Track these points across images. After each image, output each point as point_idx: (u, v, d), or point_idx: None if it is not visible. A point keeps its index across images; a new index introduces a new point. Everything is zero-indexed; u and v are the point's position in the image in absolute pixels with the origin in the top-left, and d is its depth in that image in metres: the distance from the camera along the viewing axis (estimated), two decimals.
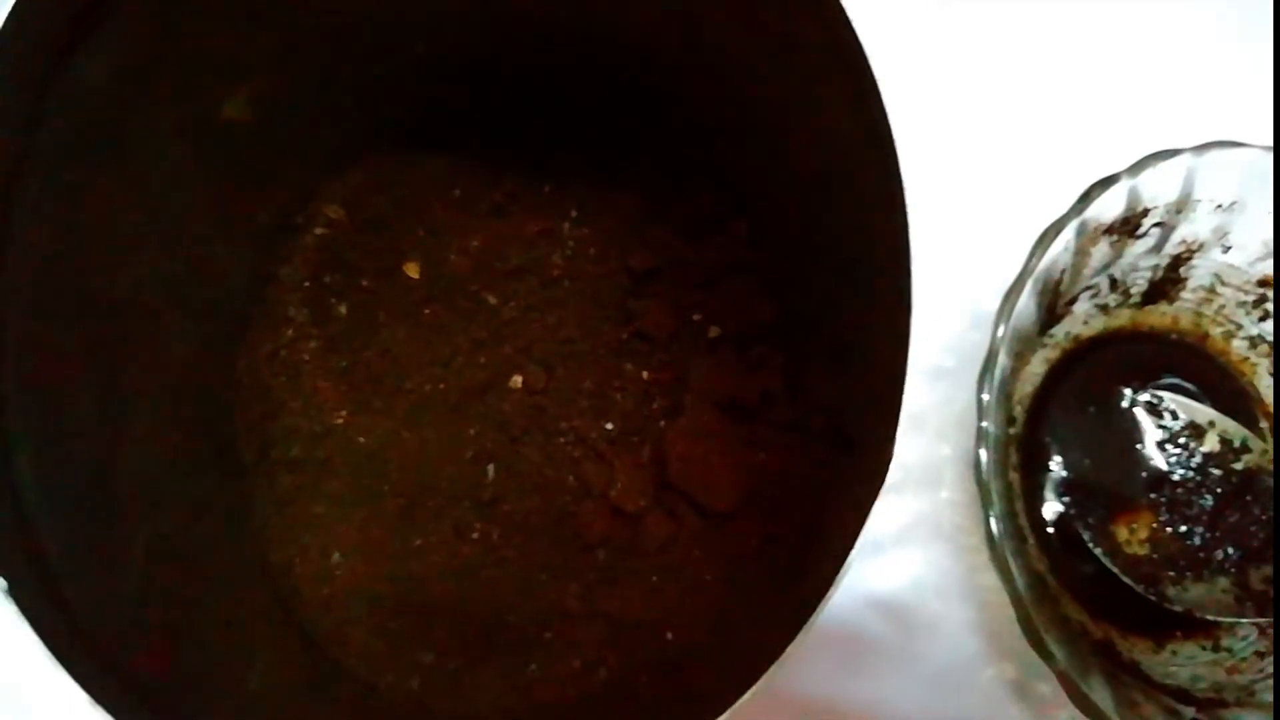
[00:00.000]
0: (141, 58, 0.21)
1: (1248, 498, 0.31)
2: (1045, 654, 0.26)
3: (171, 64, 0.22)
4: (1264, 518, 0.31)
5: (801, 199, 0.24)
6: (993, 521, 0.27)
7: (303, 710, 0.21)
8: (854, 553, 0.17)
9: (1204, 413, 0.32)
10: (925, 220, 0.35)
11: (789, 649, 0.16)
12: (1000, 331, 0.28)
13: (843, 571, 0.16)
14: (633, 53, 0.26)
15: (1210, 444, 0.32)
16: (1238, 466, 0.32)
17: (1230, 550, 0.31)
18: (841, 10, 0.17)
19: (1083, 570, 0.32)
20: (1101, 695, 0.26)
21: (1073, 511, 0.32)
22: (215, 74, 0.23)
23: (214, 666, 0.20)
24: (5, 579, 0.15)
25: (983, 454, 0.27)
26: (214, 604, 0.23)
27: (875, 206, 0.17)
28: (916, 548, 0.35)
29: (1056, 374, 0.34)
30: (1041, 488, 0.33)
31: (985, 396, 0.28)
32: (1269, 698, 0.29)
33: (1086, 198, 0.29)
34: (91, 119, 0.20)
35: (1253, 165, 0.30)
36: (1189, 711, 0.28)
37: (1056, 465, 0.33)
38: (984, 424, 0.28)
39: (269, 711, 0.16)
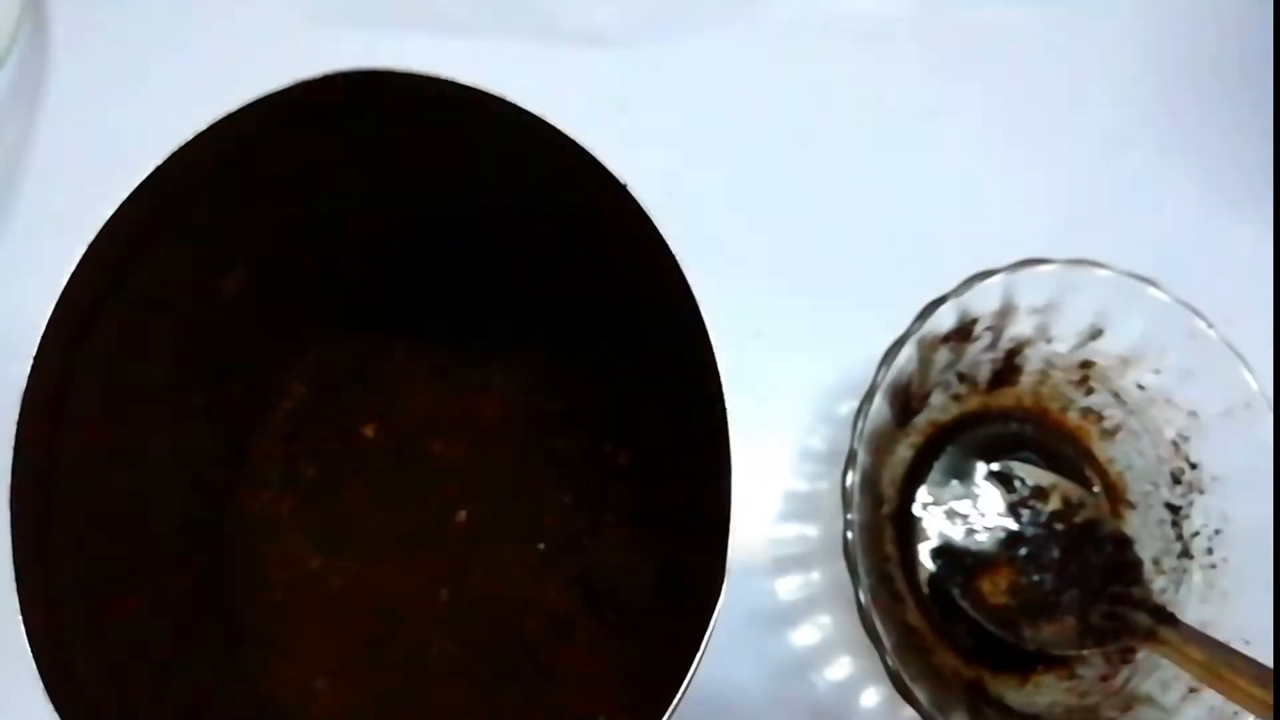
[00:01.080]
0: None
1: (1087, 546, 0.37)
2: (911, 700, 0.32)
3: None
4: (1099, 562, 0.37)
5: (669, 349, 0.30)
6: (860, 593, 0.32)
7: None
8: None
9: (1047, 477, 0.38)
10: (781, 345, 0.42)
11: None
12: (858, 433, 0.34)
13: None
14: (531, 251, 0.32)
15: (1054, 503, 0.38)
16: (1078, 520, 0.37)
17: (1075, 592, 0.37)
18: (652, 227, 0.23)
19: (956, 623, 0.38)
20: None
21: (943, 573, 0.38)
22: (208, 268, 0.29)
23: None
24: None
25: (849, 535, 0.33)
26: None
27: (701, 367, 0.23)
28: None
29: (922, 456, 0.40)
30: (916, 555, 0.38)
31: (848, 487, 0.34)
32: (1110, 714, 0.35)
33: (923, 316, 0.35)
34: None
35: (1059, 277, 0.36)
36: None
37: (927, 535, 0.38)
38: (849, 515, 0.33)
39: None
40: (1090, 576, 0.36)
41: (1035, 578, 0.36)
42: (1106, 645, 0.35)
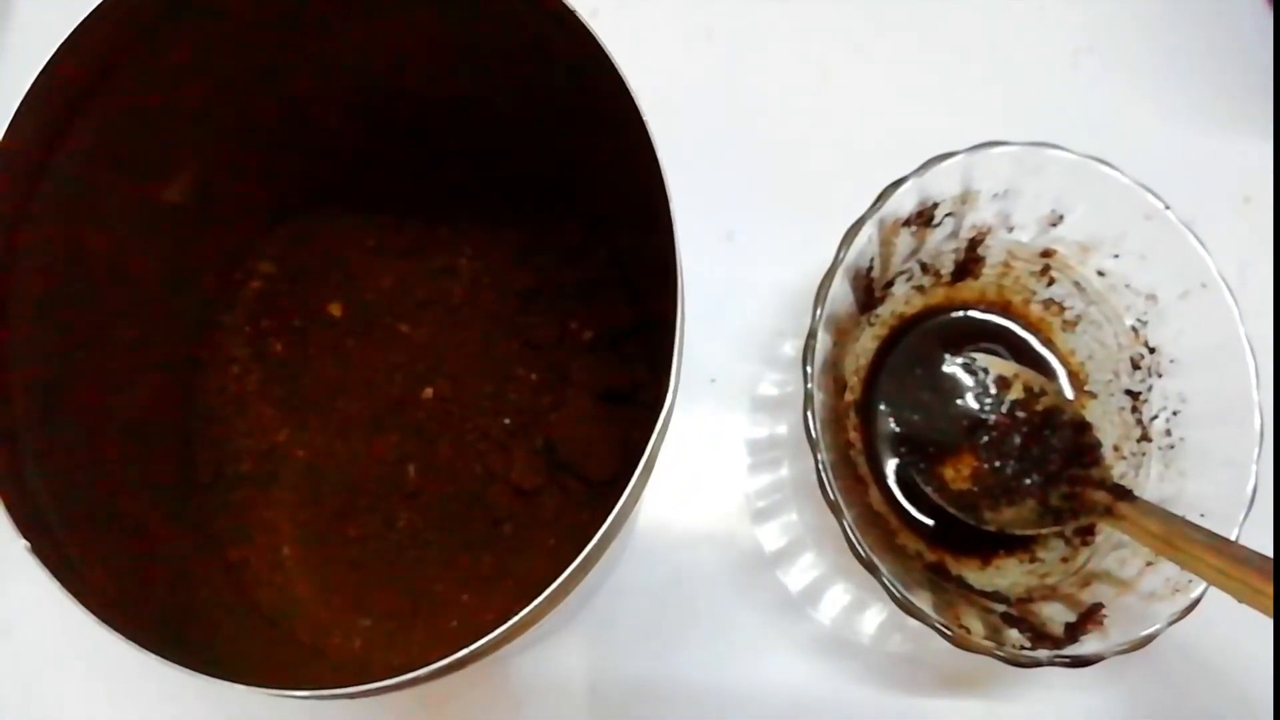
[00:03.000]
0: (101, 148, 0.26)
1: (1047, 432, 0.38)
2: (873, 569, 0.32)
3: (121, 153, 0.27)
4: (1059, 446, 0.37)
5: (634, 230, 0.30)
6: (818, 460, 0.33)
7: (260, 667, 0.27)
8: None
9: (1009, 367, 0.39)
10: (751, 248, 0.42)
11: None
12: (818, 314, 0.35)
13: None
14: (505, 123, 0.33)
15: (1016, 392, 0.38)
16: (1039, 408, 0.38)
17: (1035, 476, 0.37)
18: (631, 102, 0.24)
19: (919, 507, 0.38)
20: (923, 599, 0.33)
21: (907, 460, 0.38)
22: (159, 163, 0.29)
23: (181, 639, 0.26)
24: (28, 541, 0.21)
25: (809, 414, 0.34)
26: (183, 594, 0.28)
27: (663, 234, 0.23)
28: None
29: (886, 347, 0.40)
30: (879, 443, 0.39)
31: (809, 368, 0.34)
32: (1069, 590, 0.35)
33: (882, 197, 0.36)
34: (66, 194, 0.25)
35: (1016, 159, 0.36)
36: (1000, 608, 0.34)
37: (891, 424, 0.39)
38: (809, 387, 0.34)
39: (231, 670, 0.22)
40: (1050, 460, 0.37)
41: (997, 464, 0.37)
42: (1065, 524, 0.35)
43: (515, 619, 0.20)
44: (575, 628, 0.40)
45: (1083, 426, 0.37)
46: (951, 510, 0.36)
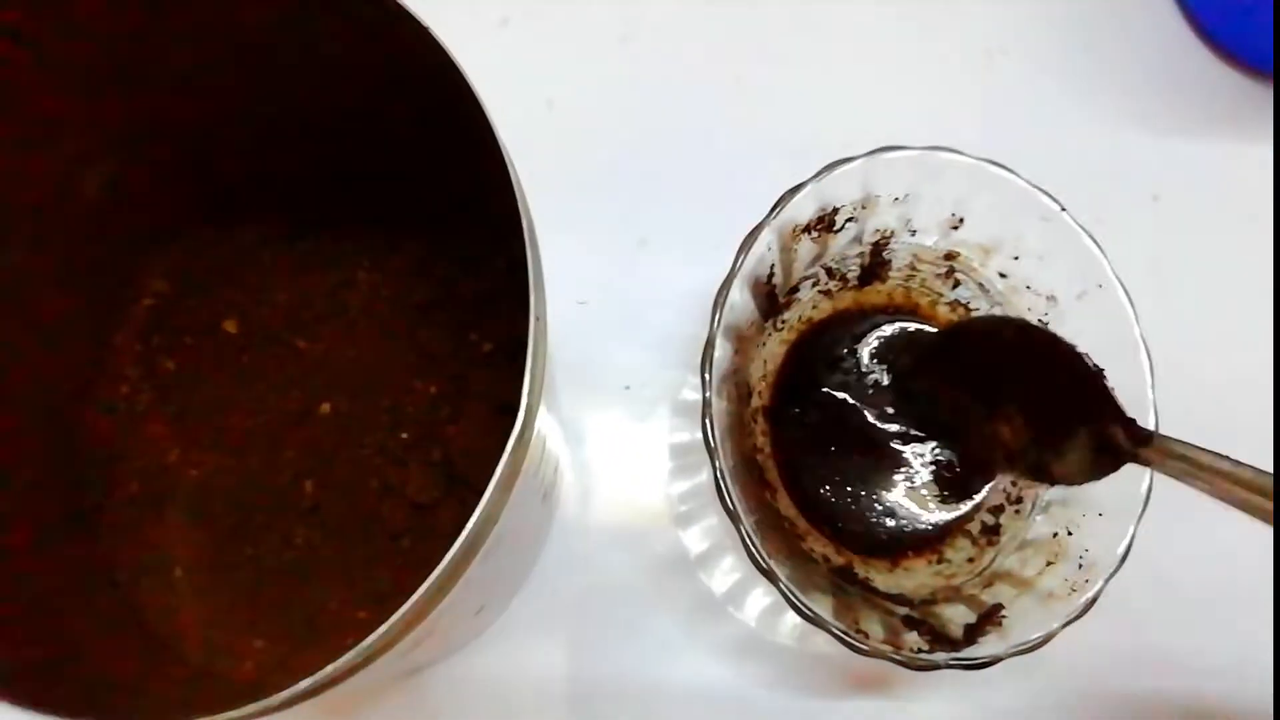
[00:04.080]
0: None
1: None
2: (770, 576, 0.32)
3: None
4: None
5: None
6: (717, 468, 0.33)
7: (142, 690, 0.27)
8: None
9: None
10: (665, 251, 0.42)
11: None
12: (715, 323, 0.35)
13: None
14: (395, 135, 0.32)
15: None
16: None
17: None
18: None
19: (828, 512, 0.38)
20: (822, 604, 0.33)
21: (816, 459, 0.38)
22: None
23: (64, 659, 0.25)
24: None
25: (707, 422, 0.34)
26: (70, 614, 0.28)
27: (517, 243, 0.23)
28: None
29: (794, 351, 0.40)
30: (788, 447, 0.39)
31: (706, 375, 0.34)
32: (972, 591, 0.36)
33: (779, 204, 0.36)
34: None
35: (914, 163, 0.36)
36: (903, 610, 0.34)
37: (800, 426, 0.39)
38: (707, 395, 0.34)
39: (110, 693, 0.21)
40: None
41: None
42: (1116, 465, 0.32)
43: (362, 644, 0.20)
44: (493, 636, 0.39)
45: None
46: (1021, 477, 0.35)
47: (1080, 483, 0.32)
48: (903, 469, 0.39)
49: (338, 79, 0.30)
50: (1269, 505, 0.26)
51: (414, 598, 0.20)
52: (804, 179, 0.36)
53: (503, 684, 0.40)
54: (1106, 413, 0.31)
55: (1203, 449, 0.29)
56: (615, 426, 0.43)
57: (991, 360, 0.35)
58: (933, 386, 0.37)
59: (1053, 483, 0.34)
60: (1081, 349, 0.33)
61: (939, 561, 0.38)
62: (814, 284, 0.39)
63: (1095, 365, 0.32)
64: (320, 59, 0.29)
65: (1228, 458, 0.28)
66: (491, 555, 0.25)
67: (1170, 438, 0.30)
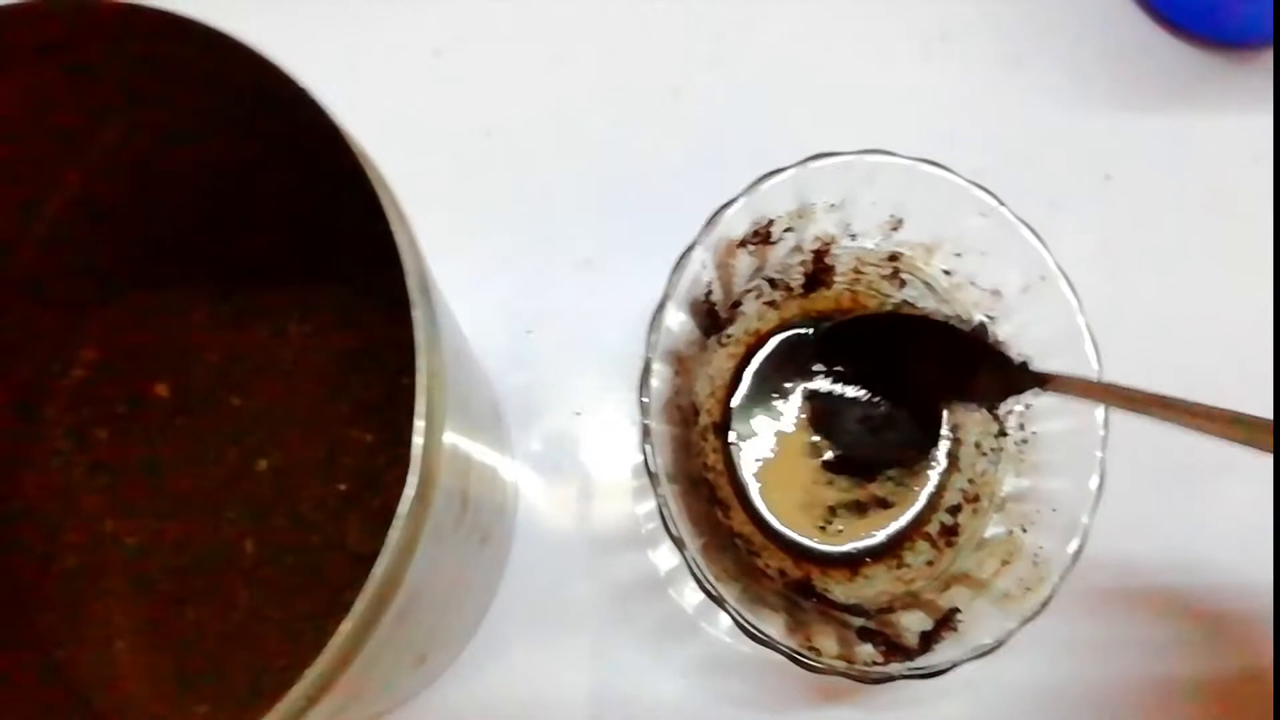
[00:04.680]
0: None
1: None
2: (718, 601, 0.32)
3: None
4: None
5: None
6: (659, 495, 0.32)
7: None
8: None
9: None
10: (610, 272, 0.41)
11: None
12: (652, 346, 0.34)
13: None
14: (302, 185, 0.32)
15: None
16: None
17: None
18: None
19: (782, 527, 0.38)
20: (773, 622, 0.32)
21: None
22: None
23: None
24: None
25: (646, 449, 0.33)
26: (5, 696, 0.28)
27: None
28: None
29: (742, 365, 0.40)
30: (738, 461, 0.38)
31: (645, 401, 0.34)
32: (929, 596, 0.35)
33: (710, 222, 0.35)
34: None
35: (847, 168, 0.36)
36: (859, 621, 0.34)
37: (749, 439, 0.39)
38: (645, 422, 0.33)
39: None
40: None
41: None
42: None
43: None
44: (457, 668, 0.39)
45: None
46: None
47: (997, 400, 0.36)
48: (858, 470, 0.38)
49: (232, 136, 0.29)
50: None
51: (304, 681, 0.19)
52: (736, 193, 0.35)
53: (470, 714, 0.40)
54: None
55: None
56: (575, 451, 0.43)
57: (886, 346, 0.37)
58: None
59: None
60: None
61: (899, 566, 0.37)
62: (757, 296, 0.39)
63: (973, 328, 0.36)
64: (212, 120, 0.29)
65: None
66: (410, 613, 0.24)
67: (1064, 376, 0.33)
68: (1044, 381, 0.33)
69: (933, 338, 0.36)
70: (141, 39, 0.24)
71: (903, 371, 0.38)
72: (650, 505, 0.43)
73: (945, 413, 0.39)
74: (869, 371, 0.38)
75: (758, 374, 0.39)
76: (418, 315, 0.21)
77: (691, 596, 0.43)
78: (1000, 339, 0.36)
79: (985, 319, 0.36)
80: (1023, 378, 0.33)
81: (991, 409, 0.37)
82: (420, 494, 0.21)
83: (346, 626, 0.19)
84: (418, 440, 0.20)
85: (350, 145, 0.22)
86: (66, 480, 0.33)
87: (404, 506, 0.20)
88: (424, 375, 0.21)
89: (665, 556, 0.43)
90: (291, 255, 0.35)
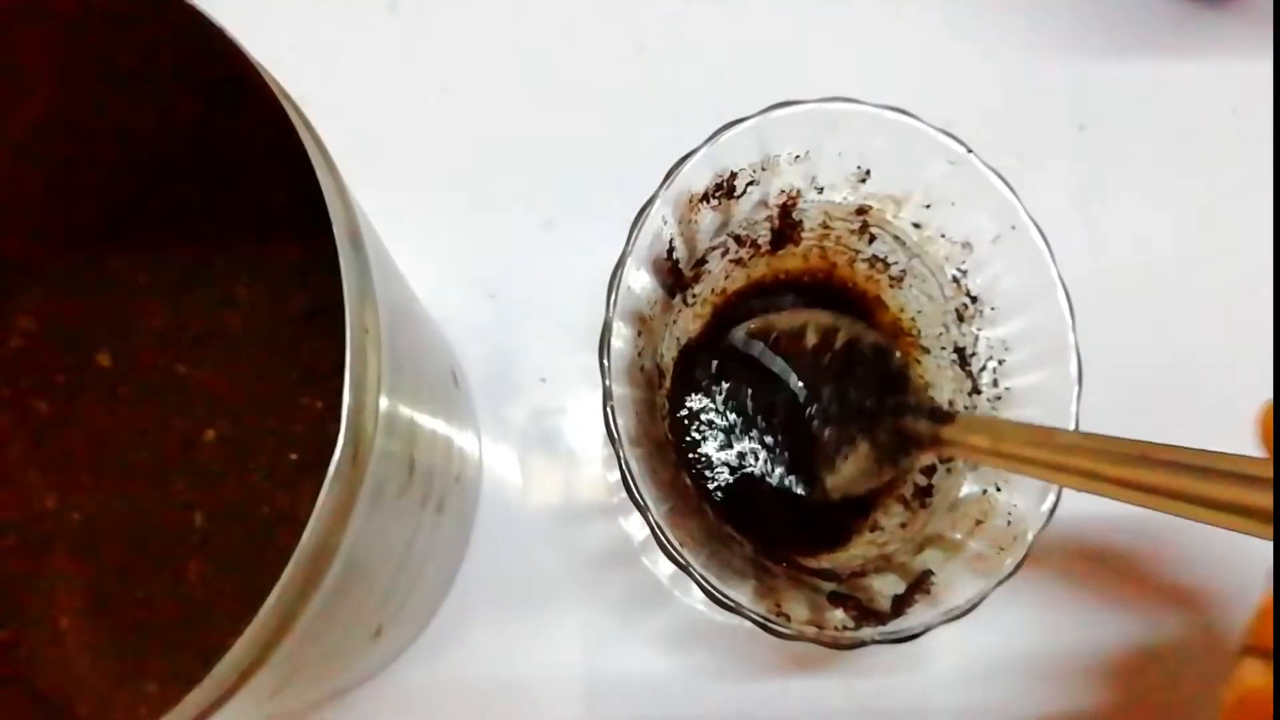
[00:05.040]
0: None
1: (856, 367, 0.36)
2: (683, 567, 0.31)
3: None
4: (870, 378, 0.36)
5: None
6: (624, 468, 0.31)
7: None
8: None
9: (798, 317, 0.37)
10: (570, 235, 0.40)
11: None
12: (611, 307, 0.33)
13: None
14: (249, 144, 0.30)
15: (811, 338, 0.37)
16: (838, 346, 0.37)
17: (862, 420, 0.36)
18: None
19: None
20: (742, 589, 0.31)
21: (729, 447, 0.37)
22: None
23: None
24: None
25: (608, 412, 0.32)
26: None
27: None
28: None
29: (710, 326, 0.39)
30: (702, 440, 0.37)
31: (605, 363, 0.33)
32: (903, 559, 0.34)
33: (669, 176, 0.34)
34: None
35: (809, 118, 0.35)
36: (829, 586, 0.33)
37: (713, 410, 0.37)
38: (607, 384, 0.32)
39: None
40: (866, 398, 0.35)
41: (822, 421, 0.35)
42: (900, 463, 0.34)
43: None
44: (426, 641, 0.38)
45: (884, 352, 0.36)
46: (800, 492, 0.35)
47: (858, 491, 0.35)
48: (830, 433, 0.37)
49: (172, 93, 0.28)
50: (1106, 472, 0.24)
51: (232, 652, 0.18)
52: (696, 145, 0.34)
53: (440, 691, 0.39)
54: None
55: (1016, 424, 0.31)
56: (541, 418, 0.42)
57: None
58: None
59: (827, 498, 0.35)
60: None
61: (873, 529, 0.36)
62: (723, 253, 0.37)
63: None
64: (150, 77, 0.27)
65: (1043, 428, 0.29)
66: (354, 584, 0.23)
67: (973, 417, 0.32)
68: (950, 418, 0.32)
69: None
70: None
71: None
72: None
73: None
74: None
75: (722, 338, 0.38)
76: (346, 269, 0.20)
77: (666, 565, 0.42)
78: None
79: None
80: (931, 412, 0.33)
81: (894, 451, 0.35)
82: (353, 453, 0.20)
83: (274, 594, 0.18)
84: (346, 397, 0.19)
85: (274, 89, 0.21)
86: (5, 455, 0.32)
87: (332, 469, 0.19)
88: (355, 330, 0.20)
89: (638, 524, 0.42)
90: (237, 216, 0.34)
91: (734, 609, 0.30)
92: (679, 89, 0.44)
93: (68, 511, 0.31)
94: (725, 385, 0.37)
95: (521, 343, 0.41)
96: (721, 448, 0.37)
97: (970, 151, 0.34)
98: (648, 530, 0.42)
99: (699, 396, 0.37)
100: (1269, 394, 0.34)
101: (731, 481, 0.37)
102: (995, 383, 0.36)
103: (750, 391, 0.37)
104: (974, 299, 0.36)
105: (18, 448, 0.32)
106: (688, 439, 0.37)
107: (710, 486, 0.36)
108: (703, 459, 0.37)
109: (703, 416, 0.37)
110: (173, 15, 0.22)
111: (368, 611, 0.27)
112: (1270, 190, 0.44)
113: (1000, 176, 0.34)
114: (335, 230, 0.20)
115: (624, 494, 0.42)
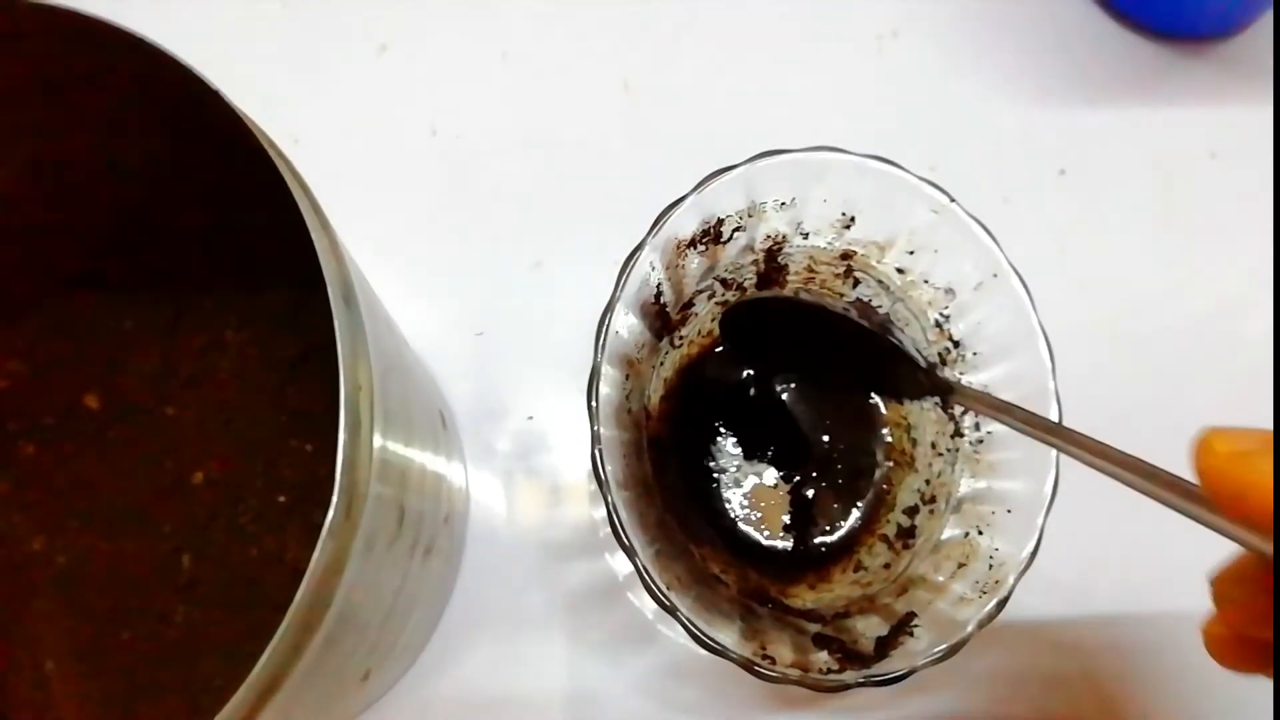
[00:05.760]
0: None
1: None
2: (670, 610, 0.31)
3: None
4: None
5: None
6: (611, 510, 0.31)
7: None
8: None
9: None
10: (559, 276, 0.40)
11: None
12: (600, 351, 0.33)
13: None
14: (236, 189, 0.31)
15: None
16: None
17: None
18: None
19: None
20: (728, 631, 0.31)
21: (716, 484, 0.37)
22: None
23: None
24: None
25: (596, 454, 0.32)
26: None
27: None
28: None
29: (693, 369, 0.39)
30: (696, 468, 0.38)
31: (593, 406, 0.33)
32: (886, 600, 0.34)
33: (658, 222, 0.34)
34: None
35: (796, 166, 0.35)
36: (814, 627, 0.33)
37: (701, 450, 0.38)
38: (595, 428, 0.33)
39: None
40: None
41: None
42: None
43: None
44: (412, 679, 0.38)
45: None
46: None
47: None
48: (812, 473, 0.38)
49: (160, 138, 0.28)
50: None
51: (228, 707, 0.18)
52: (684, 193, 0.34)
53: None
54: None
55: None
56: (527, 456, 0.42)
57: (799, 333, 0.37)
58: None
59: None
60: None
61: (856, 569, 0.36)
62: (709, 296, 0.38)
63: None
64: (139, 122, 0.27)
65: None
66: (344, 634, 0.23)
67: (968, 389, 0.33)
68: (949, 389, 0.33)
69: (842, 329, 0.37)
70: (59, 39, 0.23)
71: (821, 357, 0.38)
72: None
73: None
74: (785, 356, 0.39)
75: (705, 380, 0.38)
76: (340, 326, 0.20)
77: (651, 601, 0.42)
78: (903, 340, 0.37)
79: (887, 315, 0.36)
80: (929, 380, 0.34)
81: (904, 401, 0.38)
82: (347, 507, 0.20)
83: (269, 651, 0.18)
84: (340, 455, 0.19)
85: (269, 151, 0.21)
86: None
87: (327, 524, 0.19)
88: (348, 386, 0.20)
89: (624, 561, 0.42)
90: (226, 261, 0.34)
91: (720, 652, 0.30)
92: (665, 132, 0.45)
93: (54, 554, 0.31)
94: (714, 426, 0.38)
95: (509, 381, 0.41)
96: (708, 486, 0.37)
97: (953, 201, 0.35)
98: (632, 567, 0.42)
99: (686, 436, 0.38)
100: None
101: (718, 519, 0.37)
102: (978, 425, 0.36)
103: (737, 428, 0.37)
104: (956, 344, 0.36)
105: (4, 489, 0.32)
106: (672, 480, 0.37)
107: (695, 527, 0.37)
108: (688, 498, 0.37)
109: (689, 457, 0.38)
110: (162, 71, 0.22)
111: (357, 659, 0.27)
112: (1249, 234, 0.45)
113: (982, 225, 0.35)
114: (329, 290, 0.21)
115: (608, 530, 0.42)
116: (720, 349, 0.39)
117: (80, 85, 0.25)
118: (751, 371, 0.39)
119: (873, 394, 0.39)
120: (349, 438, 0.20)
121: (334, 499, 0.19)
